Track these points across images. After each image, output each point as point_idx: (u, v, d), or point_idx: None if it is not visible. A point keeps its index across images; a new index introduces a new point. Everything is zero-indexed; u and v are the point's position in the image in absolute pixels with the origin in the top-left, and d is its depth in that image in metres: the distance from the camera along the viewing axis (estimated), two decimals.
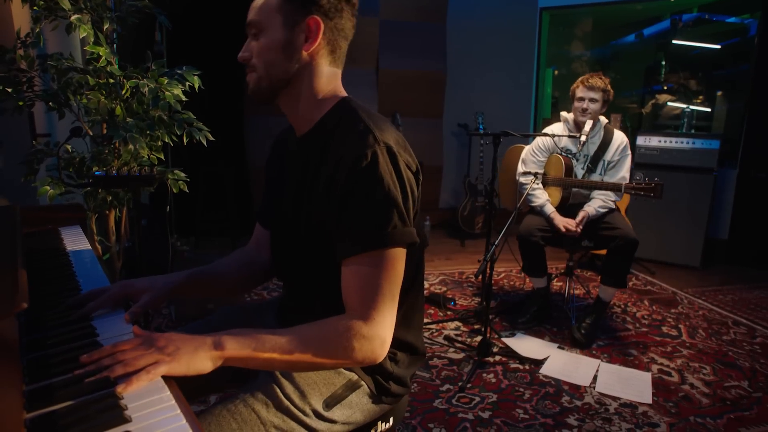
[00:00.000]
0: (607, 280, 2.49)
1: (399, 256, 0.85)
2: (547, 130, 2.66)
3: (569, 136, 2.54)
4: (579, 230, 2.47)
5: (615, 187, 2.38)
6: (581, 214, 2.48)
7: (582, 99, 2.50)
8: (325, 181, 0.88)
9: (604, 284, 2.51)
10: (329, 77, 0.94)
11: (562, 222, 2.49)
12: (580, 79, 2.55)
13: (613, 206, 2.55)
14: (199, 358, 0.74)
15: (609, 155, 2.55)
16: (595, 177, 2.57)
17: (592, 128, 2.55)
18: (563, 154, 2.60)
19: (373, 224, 0.83)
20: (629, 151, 2.57)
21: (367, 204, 0.83)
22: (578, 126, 2.54)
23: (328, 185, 0.87)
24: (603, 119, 2.61)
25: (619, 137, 2.57)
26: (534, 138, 2.75)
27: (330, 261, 0.89)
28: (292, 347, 0.79)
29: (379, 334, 0.83)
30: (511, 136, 2.33)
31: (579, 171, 2.60)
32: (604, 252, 2.79)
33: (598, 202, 2.52)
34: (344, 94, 0.97)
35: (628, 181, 2.49)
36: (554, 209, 2.56)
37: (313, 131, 0.96)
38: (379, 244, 0.83)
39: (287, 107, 0.96)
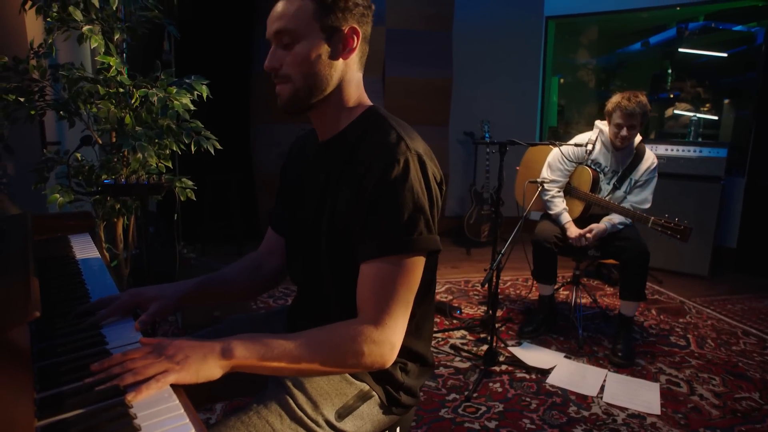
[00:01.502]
0: (625, 295, 2.44)
1: (419, 263, 0.86)
2: (578, 138, 2.58)
3: (576, 145, 2.51)
4: (587, 243, 2.43)
5: (642, 221, 2.28)
6: (599, 228, 2.42)
7: (620, 126, 2.36)
8: (352, 186, 0.88)
9: (623, 299, 2.46)
10: (357, 83, 0.96)
11: (574, 233, 2.47)
12: (618, 101, 2.36)
13: (631, 222, 2.49)
14: (208, 366, 0.74)
15: (637, 174, 2.48)
16: (619, 194, 2.52)
17: (626, 147, 2.47)
18: (592, 167, 2.55)
19: (400, 229, 0.84)
20: (657, 173, 2.49)
21: (396, 209, 0.84)
22: (614, 146, 2.47)
23: (356, 190, 0.87)
24: (637, 137, 2.51)
25: (650, 157, 2.48)
26: (552, 147, 2.64)
27: (349, 267, 0.89)
28: (301, 352, 0.79)
29: (390, 339, 0.83)
30: (517, 145, 2.32)
31: (604, 186, 2.54)
32: (611, 261, 2.77)
33: (619, 218, 2.45)
34: (369, 102, 0.98)
35: (650, 203, 2.46)
36: (570, 219, 2.53)
37: (338, 137, 0.96)
38: (403, 249, 0.84)
39: (317, 115, 0.96)
